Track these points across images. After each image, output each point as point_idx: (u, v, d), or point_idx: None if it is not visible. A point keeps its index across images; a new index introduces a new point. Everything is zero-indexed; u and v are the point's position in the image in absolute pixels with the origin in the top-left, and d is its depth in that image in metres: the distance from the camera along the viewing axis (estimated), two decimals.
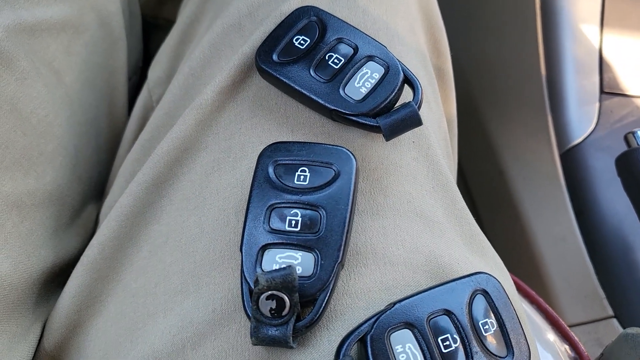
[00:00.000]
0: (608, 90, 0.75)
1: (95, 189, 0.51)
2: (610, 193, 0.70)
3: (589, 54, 0.75)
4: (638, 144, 0.58)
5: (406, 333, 0.32)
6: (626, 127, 0.67)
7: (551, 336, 0.55)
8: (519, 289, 0.57)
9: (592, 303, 0.69)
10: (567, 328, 0.54)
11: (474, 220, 0.42)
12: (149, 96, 0.50)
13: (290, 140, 0.38)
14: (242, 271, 0.33)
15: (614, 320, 0.68)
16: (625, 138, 0.59)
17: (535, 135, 0.76)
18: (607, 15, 0.76)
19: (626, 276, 0.67)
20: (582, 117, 0.74)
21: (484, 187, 0.86)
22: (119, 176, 0.45)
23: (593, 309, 0.69)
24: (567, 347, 0.54)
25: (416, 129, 0.40)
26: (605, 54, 0.76)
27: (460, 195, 0.42)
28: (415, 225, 0.37)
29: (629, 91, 0.76)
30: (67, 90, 0.48)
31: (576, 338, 0.53)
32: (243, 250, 0.33)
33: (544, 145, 0.75)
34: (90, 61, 0.51)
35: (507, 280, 0.41)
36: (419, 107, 0.37)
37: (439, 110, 0.47)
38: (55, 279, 0.44)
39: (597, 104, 0.75)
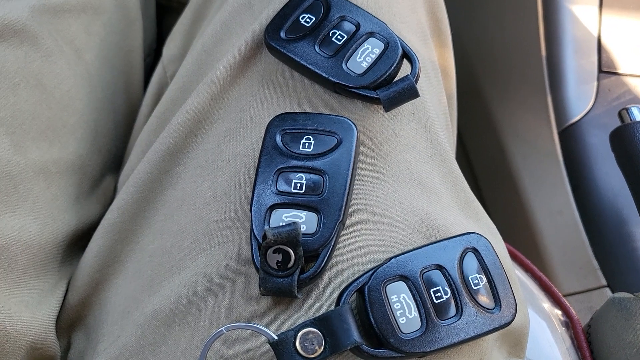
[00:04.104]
0: (606, 69, 0.77)
1: (113, 161, 0.54)
2: (606, 168, 0.73)
3: (588, 34, 0.77)
4: (631, 120, 0.60)
5: (401, 285, 0.35)
6: (623, 105, 0.69)
7: (546, 305, 0.58)
8: (515, 257, 0.60)
9: (586, 273, 0.72)
10: (559, 294, 0.57)
11: (469, 189, 0.44)
12: (164, 73, 0.53)
13: (297, 111, 0.41)
14: (251, 229, 0.36)
15: (607, 290, 0.71)
16: (620, 114, 0.61)
17: (535, 113, 0.79)
18: None
19: (619, 247, 0.70)
20: (581, 95, 0.77)
21: (485, 163, 0.88)
22: (136, 146, 0.48)
23: (587, 279, 0.72)
24: (559, 312, 0.57)
25: (416, 102, 0.43)
26: (603, 34, 0.78)
27: (457, 165, 0.44)
28: (412, 190, 0.40)
29: (626, 70, 0.78)
30: (87, 68, 0.51)
31: (567, 303, 0.56)
32: (252, 210, 0.36)
33: (543, 123, 0.78)
34: (108, 40, 0.54)
35: (499, 243, 0.44)
36: (417, 80, 0.40)
37: (439, 86, 0.50)
38: (78, 242, 0.47)
39: (595, 83, 0.77)
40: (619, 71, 0.78)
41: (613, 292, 0.70)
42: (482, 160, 0.89)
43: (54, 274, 0.44)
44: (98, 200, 0.51)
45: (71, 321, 0.45)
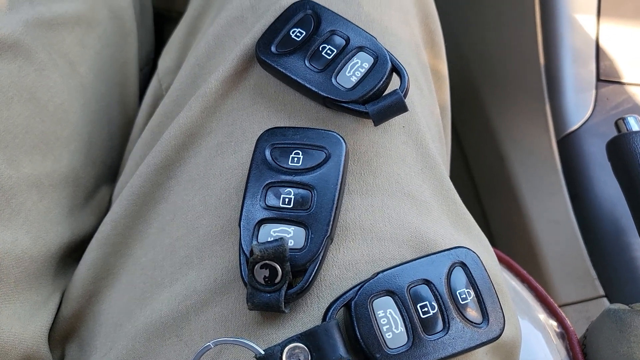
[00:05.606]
0: (604, 78, 0.77)
1: (108, 172, 0.55)
2: (604, 177, 0.73)
3: (586, 43, 0.77)
4: (627, 130, 0.60)
5: (388, 300, 0.35)
6: (621, 114, 0.69)
7: (541, 315, 0.58)
8: (511, 268, 0.60)
9: (584, 283, 0.72)
10: (555, 305, 0.57)
11: (461, 201, 0.44)
12: (159, 85, 0.54)
13: (286, 126, 0.41)
14: (240, 243, 0.36)
15: (605, 300, 0.70)
16: (616, 124, 0.61)
17: (533, 122, 0.79)
18: (603, 4, 0.78)
19: (617, 257, 0.69)
20: (579, 104, 0.76)
21: (484, 171, 0.88)
22: (130, 159, 0.49)
23: (585, 289, 0.72)
24: (554, 323, 0.56)
25: (406, 115, 0.43)
26: (601, 43, 0.78)
27: (448, 177, 0.45)
28: (402, 204, 0.40)
29: (624, 79, 0.78)
30: (81, 80, 0.51)
31: (563, 314, 0.56)
32: (241, 225, 0.36)
33: (542, 132, 0.78)
34: (103, 53, 0.54)
35: (489, 256, 0.44)
36: (405, 95, 0.40)
37: (431, 97, 0.50)
38: (71, 254, 0.48)
39: (594, 92, 0.77)
40: (617, 80, 0.78)
41: (611, 302, 0.70)
42: (482, 167, 0.89)
43: (47, 286, 0.45)
44: (92, 211, 0.51)
45: (65, 333, 0.45)
